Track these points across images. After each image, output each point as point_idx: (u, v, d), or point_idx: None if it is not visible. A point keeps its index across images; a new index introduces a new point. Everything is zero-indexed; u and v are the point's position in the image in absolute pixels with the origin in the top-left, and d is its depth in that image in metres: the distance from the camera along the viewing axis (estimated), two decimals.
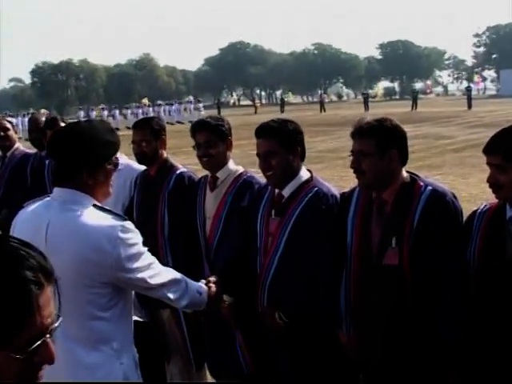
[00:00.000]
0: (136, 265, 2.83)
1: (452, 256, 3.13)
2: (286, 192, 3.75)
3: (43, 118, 6.86)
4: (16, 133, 6.83)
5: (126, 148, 5.15)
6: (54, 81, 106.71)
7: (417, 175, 3.36)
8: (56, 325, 1.45)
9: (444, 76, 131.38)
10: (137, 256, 2.83)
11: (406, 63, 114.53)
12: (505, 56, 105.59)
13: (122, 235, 2.75)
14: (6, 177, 6.52)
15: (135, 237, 2.85)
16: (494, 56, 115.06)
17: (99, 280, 2.77)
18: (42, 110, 50.65)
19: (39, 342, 1.39)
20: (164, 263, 4.51)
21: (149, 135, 4.73)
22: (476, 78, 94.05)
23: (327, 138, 26.02)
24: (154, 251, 4.49)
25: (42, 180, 5.90)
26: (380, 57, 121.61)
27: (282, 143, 3.66)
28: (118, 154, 5.14)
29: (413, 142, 22.89)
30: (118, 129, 40.70)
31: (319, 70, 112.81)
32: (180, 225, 4.58)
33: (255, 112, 59.84)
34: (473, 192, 12.83)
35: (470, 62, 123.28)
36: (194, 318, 4.46)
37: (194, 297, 3.21)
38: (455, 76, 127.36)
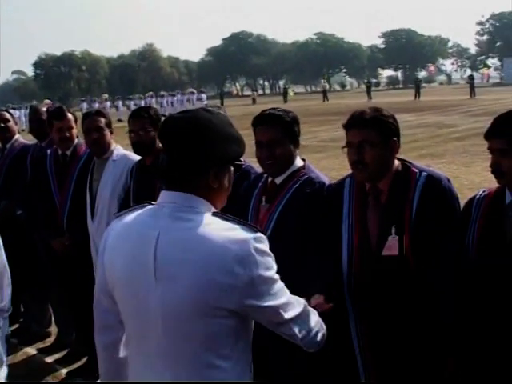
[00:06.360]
0: (270, 290, 2.19)
1: (450, 240, 3.09)
2: (279, 180, 3.71)
3: (44, 108, 6.80)
4: (16, 124, 6.80)
5: (122, 139, 5.10)
6: (56, 73, 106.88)
7: (409, 162, 3.32)
8: None
9: (447, 65, 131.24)
10: (272, 280, 2.21)
11: (409, 52, 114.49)
12: (508, 44, 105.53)
13: (255, 252, 2.14)
14: (6, 168, 6.47)
15: (270, 253, 2.21)
16: (497, 44, 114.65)
17: (224, 307, 2.13)
18: (46, 101, 50.56)
19: None
20: None
21: (148, 124, 4.68)
22: (484, 70, 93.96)
23: (330, 128, 25.95)
24: None
25: (44, 171, 5.79)
26: (383, 46, 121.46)
27: (285, 132, 3.61)
28: (119, 146, 5.11)
29: (416, 131, 22.93)
30: (120, 120, 40.83)
31: (322, 59, 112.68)
32: None
33: (253, 103, 59.92)
34: (475, 180, 12.81)
35: (473, 50, 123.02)
36: None
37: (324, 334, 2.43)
38: (459, 64, 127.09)
